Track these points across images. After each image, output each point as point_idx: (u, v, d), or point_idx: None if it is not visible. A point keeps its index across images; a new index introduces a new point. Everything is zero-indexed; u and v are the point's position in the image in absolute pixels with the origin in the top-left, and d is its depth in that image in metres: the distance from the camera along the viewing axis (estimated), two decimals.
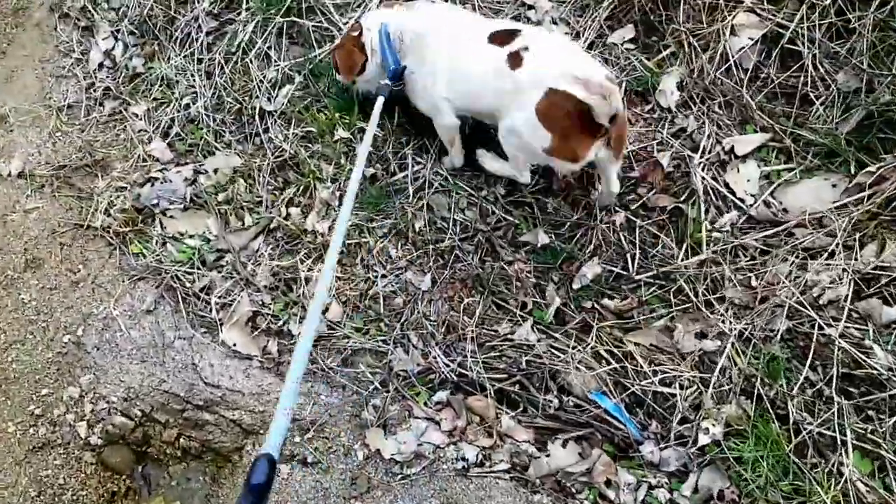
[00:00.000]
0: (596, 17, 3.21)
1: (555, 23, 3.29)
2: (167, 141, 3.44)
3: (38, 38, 4.03)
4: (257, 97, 3.32)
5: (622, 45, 3.15)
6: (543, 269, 2.71)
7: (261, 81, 3.34)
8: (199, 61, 3.52)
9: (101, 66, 3.73)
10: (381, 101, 2.58)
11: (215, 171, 3.31)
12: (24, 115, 3.71)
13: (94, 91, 3.68)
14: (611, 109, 2.21)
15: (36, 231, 3.33)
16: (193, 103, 3.45)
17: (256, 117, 3.30)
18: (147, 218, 3.27)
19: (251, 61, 3.38)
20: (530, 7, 3.36)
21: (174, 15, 3.61)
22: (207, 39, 3.53)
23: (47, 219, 3.36)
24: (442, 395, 2.54)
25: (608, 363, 2.50)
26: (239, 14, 3.47)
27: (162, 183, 3.32)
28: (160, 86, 3.57)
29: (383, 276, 2.77)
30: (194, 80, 3.49)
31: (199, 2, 3.55)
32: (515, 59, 2.37)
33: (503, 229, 2.81)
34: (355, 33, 2.85)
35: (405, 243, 2.84)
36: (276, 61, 3.37)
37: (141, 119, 3.52)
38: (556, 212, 2.80)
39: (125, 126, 3.55)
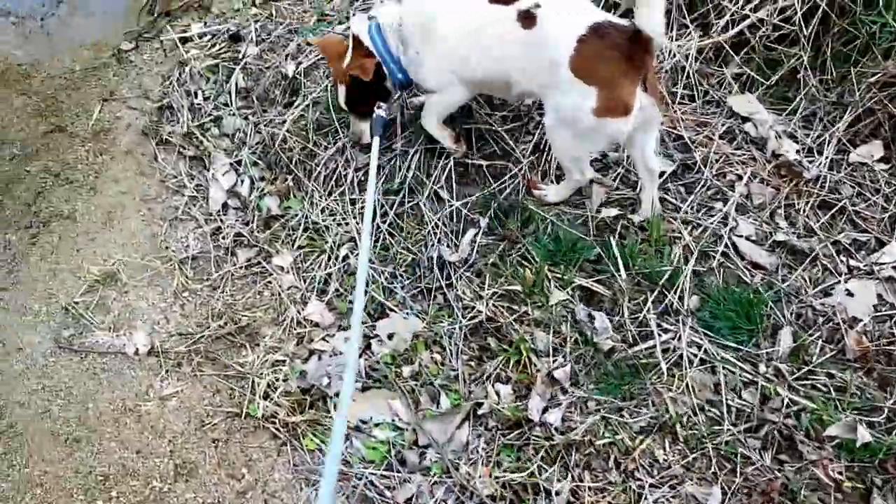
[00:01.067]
0: (833, 131, 2.70)
1: (779, 136, 2.78)
2: (325, 300, 2.88)
3: (134, 169, 3.47)
4: (433, 244, 2.77)
5: (872, 163, 2.65)
6: (860, 468, 2.18)
7: (436, 226, 2.78)
8: (353, 202, 2.97)
9: (225, 206, 3.18)
10: (376, 143, 2.60)
11: (390, 336, 2.77)
12: (137, 270, 3.14)
13: (223, 238, 3.13)
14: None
15: (180, 425, 2.76)
16: (352, 253, 2.89)
17: (436, 269, 2.76)
18: (317, 400, 2.72)
19: (422, 203, 2.83)
20: (746, 120, 2.86)
21: (311, 147, 3.05)
22: (358, 176, 2.99)
23: (191, 407, 2.79)
24: None
25: None
26: (393, 146, 2.92)
27: (330, 356, 2.76)
28: (305, 231, 3.01)
29: (653, 485, 2.22)
30: (349, 225, 2.94)
31: (343, 133, 3.00)
32: (529, 18, 2.29)
33: (794, 415, 2.28)
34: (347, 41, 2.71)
35: (673, 441, 2.29)
36: (448, 201, 2.83)
37: (288, 272, 2.97)
38: (861, 392, 2.27)
39: (269, 282, 3.00)
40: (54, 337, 3.00)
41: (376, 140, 2.57)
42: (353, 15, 3.09)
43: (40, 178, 3.49)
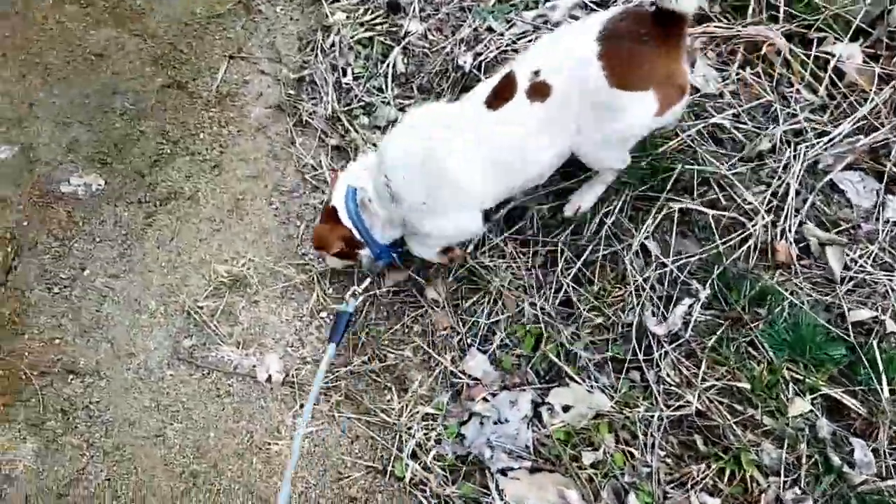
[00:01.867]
0: None
1: None
2: (489, 352, 2.44)
3: (266, 150, 3.00)
4: (634, 308, 2.30)
5: None
6: None
7: (640, 288, 2.30)
8: (524, 244, 2.49)
9: None
10: (331, 351, 2.22)
11: (565, 409, 2.33)
12: (269, 277, 2.73)
13: None
14: None
15: (314, 474, 2.41)
16: (524, 302, 2.43)
17: (634, 341, 2.29)
18: (474, 472, 2.32)
19: (622, 254, 2.34)
20: None
21: None
22: (541, 210, 2.49)
23: (327, 454, 2.42)
24: None
25: None
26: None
27: (494, 423, 2.33)
28: (462, 266, 2.55)
29: None
30: (520, 271, 2.47)
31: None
32: (540, 90, 1.94)
33: None
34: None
35: None
36: (657, 257, 2.33)
37: (443, 308, 2.52)
38: None
39: (419, 317, 2.57)
40: (173, 345, 2.61)
41: (331, 347, 2.21)
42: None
43: (157, 142, 3.03)
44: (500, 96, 2.00)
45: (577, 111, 1.96)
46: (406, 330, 2.58)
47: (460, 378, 2.46)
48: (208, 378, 2.56)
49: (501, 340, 2.49)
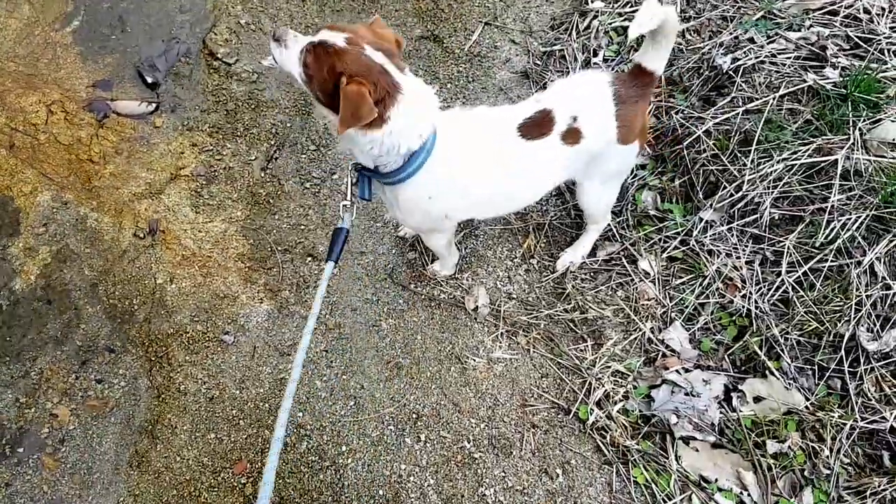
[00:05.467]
0: None
1: None
2: (690, 330, 2.57)
3: None
4: (848, 321, 2.36)
5: None
6: None
7: (860, 303, 2.36)
8: (754, 239, 2.60)
9: None
10: (329, 269, 1.90)
11: (756, 399, 2.42)
12: (491, 219, 2.94)
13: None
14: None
15: (503, 395, 2.61)
16: (741, 295, 2.53)
17: (842, 350, 2.35)
18: (656, 433, 2.44)
19: (852, 269, 2.40)
20: None
21: (725, 161, 2.68)
22: (774, 210, 2.59)
23: (516, 380, 2.63)
24: None
25: None
26: (827, 199, 2.49)
27: (685, 395, 2.46)
28: (683, 244, 2.68)
29: None
30: (741, 261, 2.58)
31: (748, 168, 2.61)
32: (573, 136, 2.09)
33: None
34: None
35: None
36: (883, 278, 2.38)
37: (652, 281, 2.66)
38: None
39: (626, 283, 2.73)
40: (397, 257, 2.92)
41: (329, 265, 1.91)
42: None
43: None
44: (536, 130, 2.07)
45: (592, 158, 2.18)
46: (611, 292, 2.76)
47: (657, 346, 2.61)
48: (420, 293, 2.83)
49: (705, 323, 2.61)
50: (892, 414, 2.29)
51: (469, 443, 2.55)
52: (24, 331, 2.74)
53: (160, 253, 2.93)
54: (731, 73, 2.83)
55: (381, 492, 2.46)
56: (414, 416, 2.59)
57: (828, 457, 2.31)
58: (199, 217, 3.02)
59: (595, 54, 3.20)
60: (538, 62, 3.34)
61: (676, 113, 2.90)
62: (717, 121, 2.76)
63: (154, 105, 3.27)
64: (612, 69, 3.10)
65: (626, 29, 3.25)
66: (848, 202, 2.49)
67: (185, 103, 3.31)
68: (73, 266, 2.88)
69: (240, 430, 2.58)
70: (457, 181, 2.10)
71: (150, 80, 3.31)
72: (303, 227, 3.01)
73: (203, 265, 2.91)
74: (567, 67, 3.24)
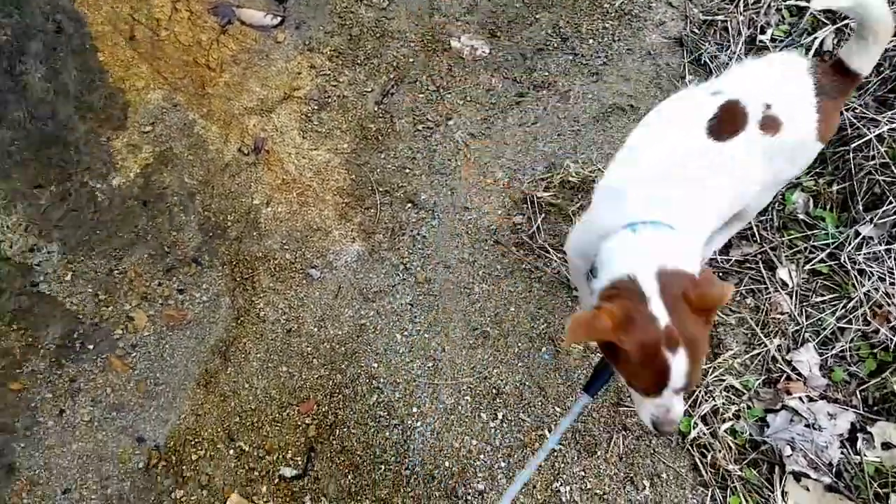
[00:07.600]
0: None
1: None
2: (823, 356, 2.23)
3: (651, 77, 2.95)
4: None
5: None
6: None
7: None
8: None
9: None
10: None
11: (885, 445, 2.07)
12: None
13: None
14: None
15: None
16: (890, 326, 2.16)
17: None
18: (764, 462, 2.14)
19: None
20: None
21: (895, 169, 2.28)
22: None
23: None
24: None
25: None
26: None
27: (805, 426, 2.13)
28: (831, 258, 2.32)
29: None
30: (894, 283, 2.20)
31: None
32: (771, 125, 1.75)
33: None
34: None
35: None
36: None
37: (790, 294, 2.32)
38: None
39: (758, 290, 2.40)
40: (503, 219, 2.68)
41: (584, 399, 1.70)
42: None
43: (547, 33, 3.10)
44: (727, 127, 1.75)
45: (786, 154, 1.85)
46: (739, 297, 2.43)
47: (781, 367, 2.28)
48: (525, 259, 2.60)
49: (841, 350, 2.27)
50: None
51: (550, 432, 2.32)
52: (115, 227, 2.68)
53: (261, 173, 2.80)
54: None
55: (447, 463, 2.28)
56: (494, 391, 2.39)
57: None
58: (305, 143, 2.87)
59: (763, 31, 2.82)
60: (696, 31, 2.98)
61: (847, 110, 2.51)
62: (893, 125, 2.36)
63: (279, 19, 3.13)
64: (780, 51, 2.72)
65: (801, 9, 2.84)
66: None
67: (310, 21, 3.15)
68: (174, 171, 2.79)
69: (312, 368, 2.45)
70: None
71: None
72: (408, 170, 2.82)
73: (301, 193, 2.77)
74: (728, 41, 2.87)
